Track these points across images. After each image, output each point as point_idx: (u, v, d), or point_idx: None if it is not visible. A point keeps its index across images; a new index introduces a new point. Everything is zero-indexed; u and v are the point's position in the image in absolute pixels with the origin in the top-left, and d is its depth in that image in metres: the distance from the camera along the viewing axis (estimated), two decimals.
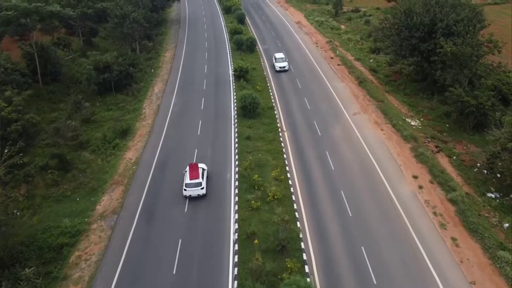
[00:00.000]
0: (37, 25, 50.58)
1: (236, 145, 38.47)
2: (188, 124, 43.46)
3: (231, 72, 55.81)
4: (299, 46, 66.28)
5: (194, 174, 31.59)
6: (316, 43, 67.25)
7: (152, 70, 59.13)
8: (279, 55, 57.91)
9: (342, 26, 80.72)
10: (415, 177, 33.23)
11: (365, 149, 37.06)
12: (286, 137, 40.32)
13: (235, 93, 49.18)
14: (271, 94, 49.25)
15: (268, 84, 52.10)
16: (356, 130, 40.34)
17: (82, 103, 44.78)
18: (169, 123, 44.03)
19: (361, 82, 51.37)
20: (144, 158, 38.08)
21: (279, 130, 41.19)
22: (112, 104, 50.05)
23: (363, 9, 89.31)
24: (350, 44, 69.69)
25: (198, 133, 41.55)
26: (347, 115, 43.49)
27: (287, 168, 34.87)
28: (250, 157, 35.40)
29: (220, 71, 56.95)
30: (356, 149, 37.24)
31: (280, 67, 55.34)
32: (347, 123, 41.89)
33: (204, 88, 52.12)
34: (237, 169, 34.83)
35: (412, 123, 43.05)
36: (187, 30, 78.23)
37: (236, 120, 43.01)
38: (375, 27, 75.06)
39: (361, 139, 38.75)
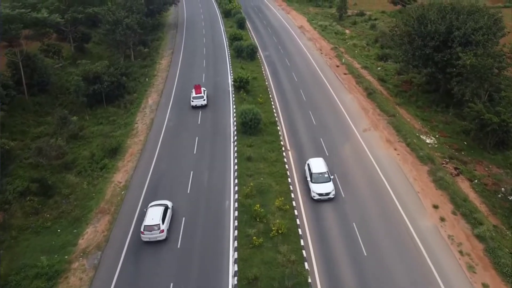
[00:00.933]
0: (21, 33, 47.06)
1: (236, 167, 34.97)
2: (184, 141, 39.98)
3: (230, 81, 52.31)
4: (303, 53, 62.77)
5: (198, 91, 46.04)
6: (320, 50, 63.74)
7: (147, 79, 55.65)
8: (318, 166, 32.16)
9: (347, 31, 77.25)
10: (435, 206, 29.71)
11: (378, 173, 33.55)
12: (290, 157, 36.83)
13: (234, 106, 45.70)
14: (273, 106, 45.74)
15: (270, 96, 48.59)
16: (367, 150, 36.83)
17: (69, 118, 41.27)
18: (163, 140, 40.54)
19: (370, 93, 47.86)
20: (135, 181, 34.57)
21: (283, 149, 37.70)
22: (103, 118, 46.59)
23: (368, 13, 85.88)
24: (356, 50, 66.20)
25: (194, 152, 38.06)
26: (356, 132, 39.99)
27: (292, 195, 31.37)
28: (251, 183, 31.88)
29: (218, 81, 53.45)
30: (368, 173, 33.73)
31: (319, 194, 30.37)
32: (356, 142, 38.39)
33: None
34: (236, 196, 31.34)
35: (428, 141, 39.58)
36: (185, 35, 74.75)
37: (235, 138, 39.51)
38: (381, 32, 71.80)
39: (373, 160, 35.23)
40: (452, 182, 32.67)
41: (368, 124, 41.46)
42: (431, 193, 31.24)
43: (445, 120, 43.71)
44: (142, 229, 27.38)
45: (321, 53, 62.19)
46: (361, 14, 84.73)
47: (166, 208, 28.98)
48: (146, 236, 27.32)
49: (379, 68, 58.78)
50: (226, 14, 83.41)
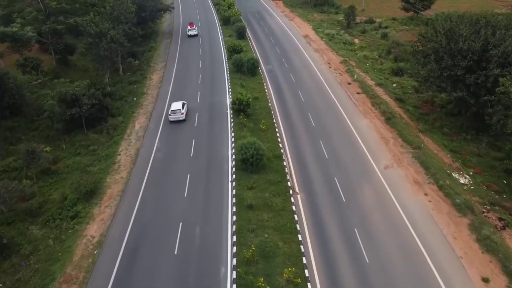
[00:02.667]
0: None
1: (234, 217, 28.82)
2: (173, 180, 33.84)
3: (228, 102, 46.17)
4: (309, 67, 56.60)
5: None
6: (329, 63, 57.57)
7: (135, 98, 49.48)
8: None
9: (356, 40, 71.14)
10: (485, 280, 23.58)
11: (408, 229, 27.40)
12: (299, 202, 30.68)
13: (233, 134, 39.55)
14: (277, 135, 39.59)
15: (274, 120, 42.43)
16: (392, 195, 30.67)
17: (38, 152, 35.09)
18: (149, 178, 34.40)
19: (389, 118, 41.71)
20: (111, 236, 28.43)
21: (290, 191, 31.55)
22: (82, 147, 40.45)
23: (377, 20, 79.74)
24: (367, 63, 60.08)
25: (185, 195, 31.92)
26: (376, 169, 33.83)
27: (304, 260, 25.23)
28: (253, 246, 25.70)
29: (215, 101, 47.26)
30: (395, 228, 27.59)
31: None
32: (378, 183, 32.23)
33: (196, 125, 42.45)
34: (234, 260, 25.20)
35: (461, 181, 33.44)
36: (180, 45, 68.59)
37: (234, 176, 33.37)
38: (394, 42, 65.75)
39: (400, 210, 29.07)
40: (501, 242, 26.50)
41: (390, 158, 35.29)
42: (477, 259, 25.08)
43: (478, 152, 37.61)
44: (169, 113, 42.29)
45: (330, 67, 56.01)
46: (371, 21, 78.58)
47: (184, 103, 43.71)
48: (172, 117, 42.28)
49: (394, 85, 52.66)
50: (225, 21, 77.27)
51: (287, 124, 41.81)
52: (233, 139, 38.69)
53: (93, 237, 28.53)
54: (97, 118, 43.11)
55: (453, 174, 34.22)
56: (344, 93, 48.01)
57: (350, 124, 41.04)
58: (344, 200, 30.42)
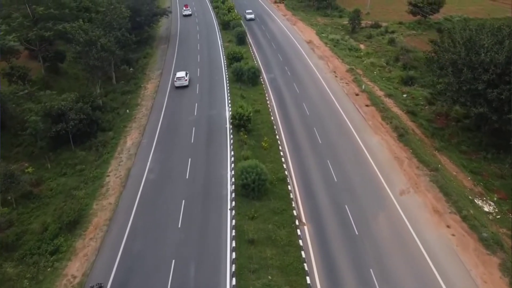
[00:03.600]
0: None
1: (234, 254, 25.56)
2: (166, 207, 30.59)
3: (228, 115, 42.94)
4: (314, 76, 53.31)
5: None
6: (334, 72, 54.29)
7: (128, 110, 46.22)
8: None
9: (362, 46, 67.84)
10: None
11: (430, 269, 24.13)
12: (307, 235, 27.43)
13: (233, 153, 36.29)
14: (281, 154, 36.31)
15: (277, 136, 39.15)
16: (410, 227, 27.41)
17: (17, 176, 31.80)
18: (139, 205, 31.16)
19: (402, 135, 38.42)
20: (94, 276, 25.17)
21: (296, 222, 28.28)
22: (68, 166, 37.23)
23: (383, 24, 76.40)
24: (374, 71, 56.83)
25: (179, 226, 28.69)
26: (391, 195, 30.56)
27: None
28: None
29: (214, 114, 44.00)
30: (416, 268, 24.31)
31: None
32: (394, 212, 28.96)
33: (192, 141, 39.20)
34: None
35: (486, 209, 30.20)
36: (177, 51, 65.32)
37: (233, 203, 30.11)
38: (402, 48, 62.50)
39: (420, 245, 25.81)
40: None
41: (406, 182, 32.01)
42: None
43: (500, 173, 34.37)
44: (175, 79, 50.42)
45: (336, 76, 52.72)
46: (376, 25, 75.24)
47: (187, 73, 51.74)
48: (177, 83, 50.14)
49: (405, 95, 49.39)
50: (225, 26, 73.97)
51: (291, 141, 38.52)
52: (232, 159, 35.44)
53: (74, 277, 25.28)
54: (85, 133, 39.91)
55: (475, 200, 30.95)
56: (352, 106, 44.72)
57: (359, 141, 37.76)
58: (357, 233, 27.16)
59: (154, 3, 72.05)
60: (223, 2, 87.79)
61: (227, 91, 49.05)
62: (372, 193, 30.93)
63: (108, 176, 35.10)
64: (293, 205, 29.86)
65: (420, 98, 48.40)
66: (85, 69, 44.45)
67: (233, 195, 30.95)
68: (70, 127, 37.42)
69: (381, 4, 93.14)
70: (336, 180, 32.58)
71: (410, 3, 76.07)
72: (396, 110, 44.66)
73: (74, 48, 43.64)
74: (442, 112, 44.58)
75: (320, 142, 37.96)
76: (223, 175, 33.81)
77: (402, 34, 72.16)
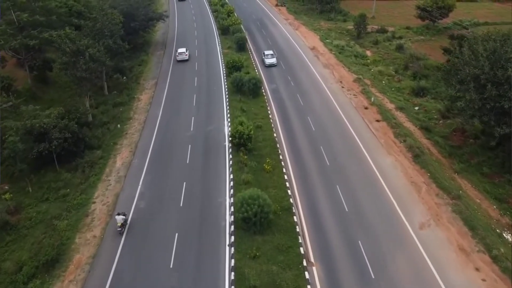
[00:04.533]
0: None
1: None
2: (157, 242, 27.26)
3: (227, 130, 39.66)
4: (319, 86, 49.92)
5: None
6: (341, 82, 50.90)
7: (119, 125, 42.83)
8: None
9: (368, 52, 64.51)
10: None
11: None
12: (316, 279, 24.08)
13: (232, 176, 32.92)
14: (285, 177, 32.93)
15: (281, 157, 35.76)
16: (433, 269, 24.05)
17: None
18: (127, 238, 27.83)
19: (417, 155, 35.07)
20: None
21: (303, 262, 24.92)
22: (51, 190, 33.82)
23: (390, 29, 73.07)
24: (383, 81, 53.48)
25: (171, 265, 25.33)
26: (410, 229, 27.19)
27: None
28: None
29: (212, 130, 40.63)
30: None
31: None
32: (414, 250, 25.59)
33: (188, 161, 35.83)
34: None
35: None
36: (174, 57, 61.84)
37: (233, 238, 26.75)
38: (411, 55, 59.10)
39: None
40: None
41: (425, 213, 28.64)
42: None
43: None
44: (177, 54, 59.17)
45: (343, 87, 49.33)
46: (383, 30, 71.87)
47: (186, 49, 60.30)
48: (179, 57, 58.71)
49: (417, 108, 46.04)
50: (224, 31, 70.55)
51: (296, 163, 35.12)
52: (232, 183, 32.07)
53: None
54: (71, 152, 36.50)
55: (504, 234, 27.59)
56: (361, 121, 41.35)
57: (371, 162, 34.38)
58: (373, 276, 23.82)
59: (149, 7, 68.62)
60: (222, 6, 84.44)
61: (226, 104, 45.68)
62: (388, 226, 27.57)
63: (94, 203, 31.72)
64: (300, 241, 26.50)
65: (433, 111, 45.08)
66: (72, 81, 41.02)
67: (232, 227, 27.61)
68: (53, 147, 34.00)
69: (386, 8, 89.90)
70: (347, 210, 29.21)
71: (418, 7, 72.90)
72: (408, 125, 41.30)
73: (60, 59, 40.18)
74: (458, 127, 41.25)
75: (328, 163, 34.58)
76: (221, 203, 30.46)
77: (410, 39, 68.90)
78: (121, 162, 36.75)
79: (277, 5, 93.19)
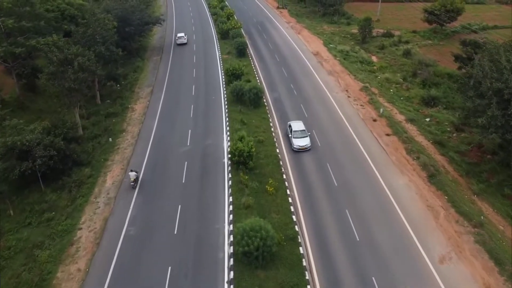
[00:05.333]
0: None
1: None
2: (148, 277, 24.47)
3: (226, 145, 36.95)
4: (323, 96, 47.15)
5: None
6: (347, 91, 48.15)
7: (110, 139, 40.09)
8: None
9: (374, 58, 61.83)
10: None
11: None
12: None
13: (231, 199, 30.15)
14: (290, 200, 30.14)
15: (284, 176, 32.97)
16: None
17: None
18: (115, 272, 25.07)
19: (432, 175, 32.32)
20: None
21: None
22: (34, 213, 31.01)
23: (396, 33, 70.35)
24: (391, 89, 50.73)
25: None
26: (429, 263, 24.43)
27: None
28: None
29: (210, 145, 37.87)
30: None
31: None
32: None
33: (184, 181, 33.07)
34: None
35: None
36: (171, 63, 59.18)
37: (232, 274, 23.98)
38: (420, 61, 56.35)
39: None
40: None
41: (445, 244, 25.87)
42: None
43: None
44: (176, 38, 66.50)
45: (349, 97, 46.57)
46: (389, 35, 69.16)
47: (185, 33, 67.52)
48: (178, 41, 65.96)
49: (428, 119, 43.26)
50: (223, 35, 67.80)
51: (301, 183, 32.34)
52: (231, 207, 29.31)
53: None
54: (58, 170, 33.72)
55: None
56: (370, 135, 38.59)
57: (383, 183, 31.60)
58: None
59: (145, 11, 65.85)
60: (222, 8, 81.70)
61: (225, 115, 42.90)
62: (404, 260, 24.79)
63: (80, 229, 28.94)
64: (307, 277, 23.72)
65: (446, 123, 42.34)
66: (60, 92, 38.26)
67: (232, 261, 24.84)
68: (37, 166, 31.23)
69: (391, 10, 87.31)
70: (358, 239, 26.44)
71: (425, 11, 70.15)
72: (421, 139, 38.53)
73: (47, 68, 37.38)
74: (474, 142, 38.50)
75: (336, 184, 31.80)
76: (219, 230, 27.71)
77: (417, 44, 66.25)
78: (112, 181, 33.97)
79: (278, 7, 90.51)
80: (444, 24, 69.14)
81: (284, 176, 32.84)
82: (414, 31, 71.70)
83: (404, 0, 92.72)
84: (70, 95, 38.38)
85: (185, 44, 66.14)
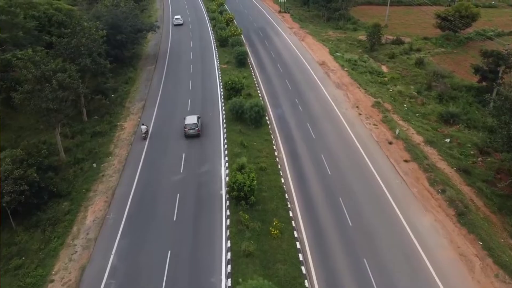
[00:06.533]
0: None
1: None
2: None
3: (223, 173, 32.73)
4: (332, 113, 42.85)
5: None
6: (357, 107, 43.85)
7: (95, 164, 35.80)
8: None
9: (384, 68, 57.59)
10: None
11: None
12: None
13: (229, 244, 25.85)
14: (298, 246, 25.82)
15: (291, 213, 28.67)
16: None
17: None
18: None
19: (462, 214, 28.04)
20: None
21: None
22: (2, 258, 26.77)
23: (406, 40, 66.04)
24: (405, 104, 46.48)
25: None
26: None
27: None
28: None
29: (205, 172, 33.58)
30: None
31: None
32: None
33: (175, 219, 28.78)
34: None
35: None
36: (165, 74, 54.85)
37: None
38: (434, 72, 52.16)
39: None
40: None
41: None
42: None
43: None
44: (173, 20, 75.53)
45: (360, 114, 42.28)
46: (399, 42, 64.82)
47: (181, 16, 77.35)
48: (175, 22, 74.63)
49: (448, 140, 38.97)
50: (222, 42, 63.46)
51: (310, 223, 28.01)
52: (229, 254, 25.03)
53: None
54: (32, 204, 29.49)
55: None
56: (386, 161, 34.30)
57: (405, 224, 27.31)
58: None
59: (138, 17, 61.42)
60: (221, 13, 77.39)
61: (223, 135, 38.61)
62: None
63: (52, 281, 24.66)
64: None
65: (469, 145, 38.14)
66: (38, 113, 34.01)
67: None
68: (4, 204, 26.99)
69: (399, 15, 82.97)
70: None
71: (438, 16, 65.75)
72: (443, 166, 34.24)
73: (21, 87, 33.06)
74: (503, 169, 34.27)
75: (351, 224, 27.52)
76: (215, 285, 23.42)
77: (429, 52, 62.00)
78: (93, 217, 29.67)
79: (280, 11, 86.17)
80: (458, 30, 64.78)
81: (291, 214, 28.53)
82: (425, 38, 67.33)
83: (412, 4, 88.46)
84: (48, 116, 34.05)
85: (181, 25, 75.60)
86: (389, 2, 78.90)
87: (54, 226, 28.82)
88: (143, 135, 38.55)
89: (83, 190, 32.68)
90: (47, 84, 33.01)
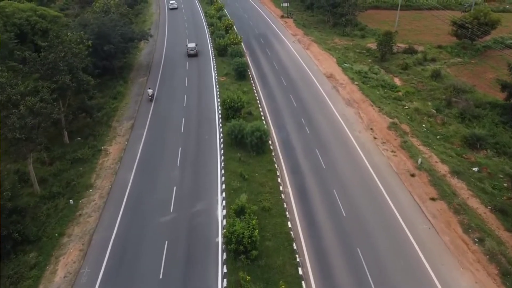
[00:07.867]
0: None
1: None
2: None
3: (220, 214, 28.01)
4: (344, 137, 38.04)
5: None
6: (371, 129, 39.03)
7: (71, 200, 31.00)
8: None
9: (397, 80, 52.83)
10: None
11: None
12: None
13: None
14: None
15: (301, 272, 23.82)
16: None
17: None
18: None
19: (506, 273, 23.24)
20: None
21: None
22: None
23: (419, 48, 61.27)
24: (423, 123, 41.69)
25: None
26: None
27: None
28: None
29: (199, 211, 28.81)
30: None
31: None
32: None
33: (161, 276, 24.00)
34: None
35: None
36: (158, 88, 49.97)
37: None
38: (454, 87, 47.29)
39: None
40: None
41: None
42: None
43: None
44: (169, 4, 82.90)
45: (375, 138, 37.47)
46: (411, 51, 60.07)
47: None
48: (171, 6, 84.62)
49: (475, 169, 34.16)
50: (221, 51, 58.66)
51: (324, 284, 23.18)
52: None
53: None
54: None
55: None
56: (410, 199, 29.47)
57: (438, 285, 22.50)
58: None
59: (128, 25, 56.46)
60: (219, 18, 72.61)
61: (220, 164, 33.84)
62: None
63: None
64: None
65: (501, 176, 33.29)
66: (5, 142, 29.28)
67: None
68: None
69: (408, 20, 78.12)
70: None
71: (454, 23, 60.93)
72: (475, 204, 29.45)
73: None
74: None
75: (373, 285, 22.70)
76: None
77: (445, 62, 57.25)
78: (64, 272, 24.90)
79: (282, 16, 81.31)
80: (476, 38, 59.99)
81: (300, 272, 23.73)
82: (439, 46, 62.53)
83: (422, 8, 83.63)
84: (17, 146, 29.29)
85: (175, 8, 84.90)
86: (399, 6, 74.00)
87: (16, 286, 24.04)
88: (150, 97, 45.23)
89: (56, 234, 27.89)
90: (14, 110, 28.21)
